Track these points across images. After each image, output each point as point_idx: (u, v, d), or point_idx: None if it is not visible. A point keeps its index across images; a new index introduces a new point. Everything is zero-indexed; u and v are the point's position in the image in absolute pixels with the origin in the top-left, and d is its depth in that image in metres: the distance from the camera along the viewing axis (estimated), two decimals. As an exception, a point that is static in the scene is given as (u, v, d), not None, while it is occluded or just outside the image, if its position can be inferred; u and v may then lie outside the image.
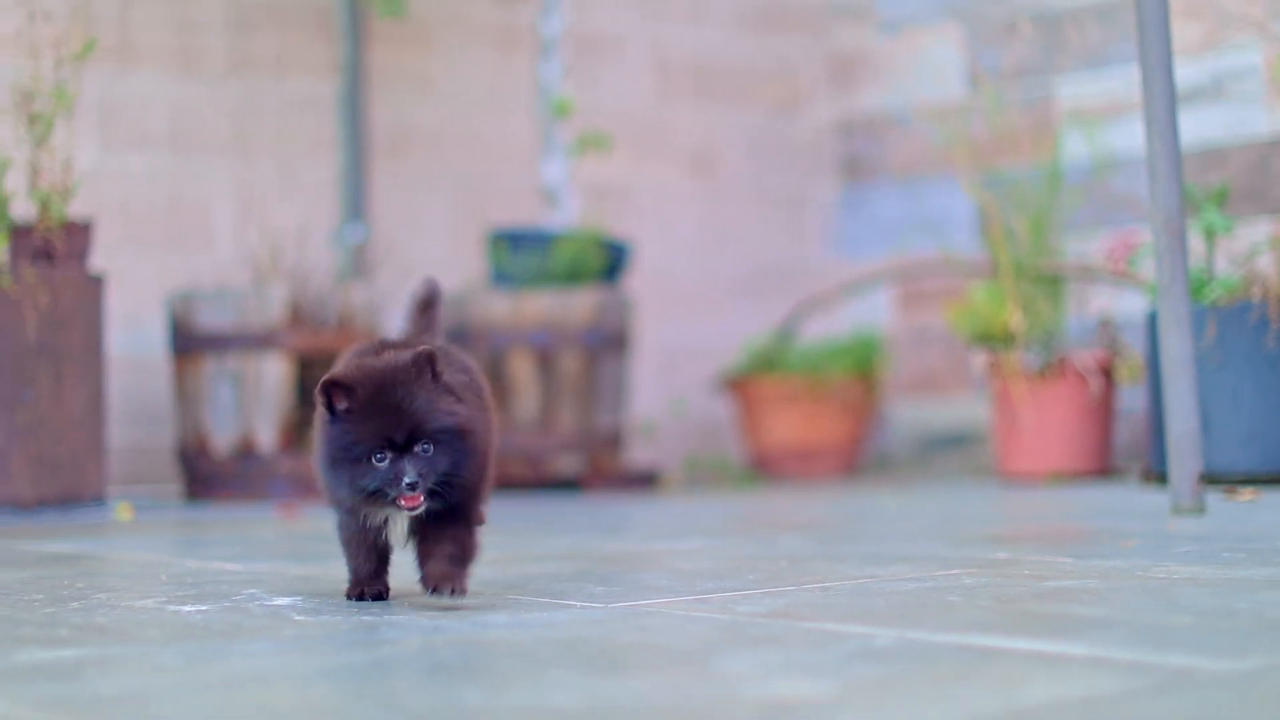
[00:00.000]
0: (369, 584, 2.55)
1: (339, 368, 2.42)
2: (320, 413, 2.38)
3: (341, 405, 2.33)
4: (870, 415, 7.04)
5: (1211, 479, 4.83)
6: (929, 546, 3.38)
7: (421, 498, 2.32)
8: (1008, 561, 2.96)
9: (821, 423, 6.80)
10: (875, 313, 7.51)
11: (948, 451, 7.31)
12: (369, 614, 2.39)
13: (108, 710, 1.64)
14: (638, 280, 7.12)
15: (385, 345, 2.48)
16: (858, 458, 7.01)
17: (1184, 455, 3.99)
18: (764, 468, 6.94)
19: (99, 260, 5.70)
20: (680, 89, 7.57)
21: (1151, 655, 1.82)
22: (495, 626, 2.22)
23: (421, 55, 6.88)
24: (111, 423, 5.88)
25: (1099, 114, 6.59)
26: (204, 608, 2.51)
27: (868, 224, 7.67)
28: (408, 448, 2.30)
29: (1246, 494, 4.53)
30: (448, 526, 2.39)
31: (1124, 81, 6.48)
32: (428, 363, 2.34)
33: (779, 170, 7.79)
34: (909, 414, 7.47)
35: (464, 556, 2.40)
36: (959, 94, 7.18)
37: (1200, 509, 3.96)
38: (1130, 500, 4.76)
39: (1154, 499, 4.58)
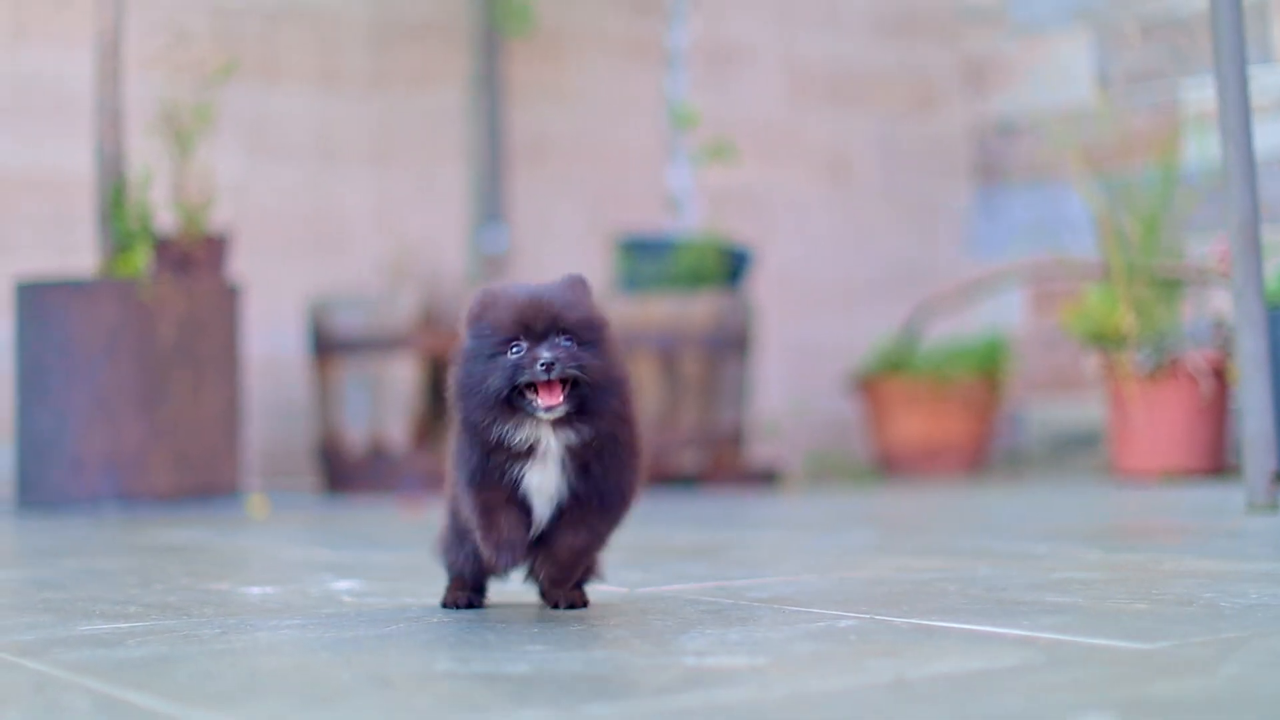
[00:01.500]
0: (504, 551, 2.21)
1: None
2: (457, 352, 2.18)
3: (478, 311, 2.16)
4: (995, 415, 7.13)
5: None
6: (981, 541, 3.51)
7: (560, 395, 2.10)
8: (1039, 555, 3.10)
9: (945, 422, 6.92)
10: (1008, 314, 7.60)
11: (1078, 450, 7.38)
12: (410, 595, 2.60)
13: (122, 672, 1.88)
14: (772, 281, 7.29)
15: None
16: (983, 456, 7.11)
17: (1258, 453, 4.07)
18: (890, 466, 7.07)
19: (243, 267, 6.03)
20: (813, 94, 7.73)
21: (1078, 637, 1.97)
22: (509, 607, 2.42)
23: (555, 67, 7.13)
24: (254, 421, 6.22)
25: (1222, 115, 6.61)
26: (269, 589, 2.75)
27: (1001, 226, 7.76)
28: (545, 336, 2.11)
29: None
30: (578, 512, 2.26)
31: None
32: (581, 281, 2.21)
33: (912, 173, 7.90)
34: (1040, 414, 7.55)
35: (586, 552, 2.31)
36: (1088, 98, 7.25)
37: (1274, 506, 4.03)
38: (1222, 498, 4.82)
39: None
